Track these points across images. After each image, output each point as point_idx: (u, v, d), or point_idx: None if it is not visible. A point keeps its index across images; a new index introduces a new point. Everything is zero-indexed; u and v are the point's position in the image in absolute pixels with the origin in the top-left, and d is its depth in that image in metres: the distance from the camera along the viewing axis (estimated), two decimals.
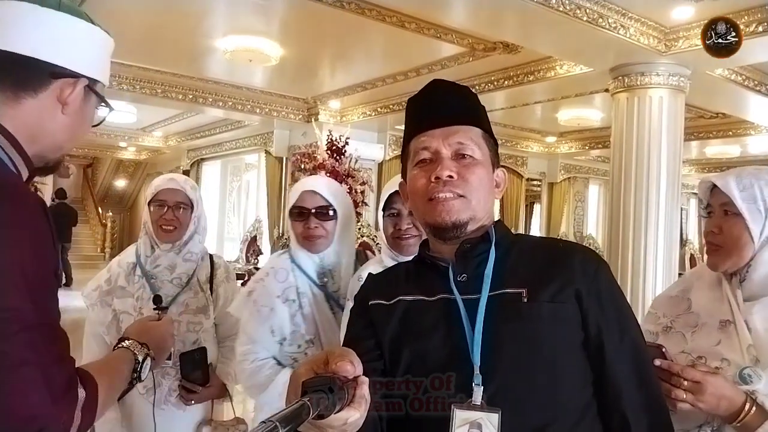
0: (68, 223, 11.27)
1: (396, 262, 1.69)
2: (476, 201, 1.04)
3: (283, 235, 8.31)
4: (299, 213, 1.85)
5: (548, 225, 11.18)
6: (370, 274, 1.21)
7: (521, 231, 10.83)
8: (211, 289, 2.07)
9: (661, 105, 4.80)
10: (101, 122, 1.17)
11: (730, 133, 8.19)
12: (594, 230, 11.81)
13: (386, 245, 1.78)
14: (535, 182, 11.36)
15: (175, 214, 1.97)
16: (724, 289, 1.32)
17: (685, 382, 1.19)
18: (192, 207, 2.01)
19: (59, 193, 12.01)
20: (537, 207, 12.15)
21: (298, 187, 1.91)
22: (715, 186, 1.33)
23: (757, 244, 1.26)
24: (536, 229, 11.95)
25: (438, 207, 1.03)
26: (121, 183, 15.86)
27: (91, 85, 1.08)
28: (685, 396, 1.19)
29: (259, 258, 8.57)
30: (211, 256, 2.12)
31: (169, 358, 1.72)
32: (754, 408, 1.16)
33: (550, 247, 1.10)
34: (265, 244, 8.99)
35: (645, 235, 4.80)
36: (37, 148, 1.03)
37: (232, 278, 2.18)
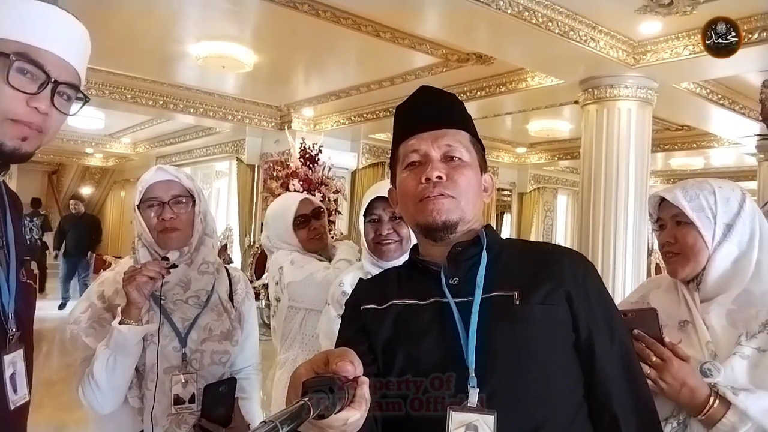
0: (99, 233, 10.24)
1: (377, 267, 1.71)
2: (465, 202, 1.05)
3: (254, 243, 8.23)
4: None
5: (518, 234, 11.31)
6: (360, 279, 1.22)
7: None
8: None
9: (629, 117, 4.93)
10: (75, 113, 1.11)
11: (695, 145, 8.44)
12: (562, 239, 12.00)
13: (367, 251, 1.79)
14: (505, 192, 11.51)
15: (173, 211, 1.56)
16: (681, 291, 1.40)
17: (653, 357, 1.25)
18: (193, 200, 1.61)
19: (81, 200, 10.66)
20: (507, 216, 12.30)
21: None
22: (663, 200, 1.42)
23: (711, 248, 1.34)
24: None
25: (428, 206, 1.03)
26: (87, 190, 15.53)
27: None
28: (648, 372, 1.24)
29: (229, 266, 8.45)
30: (226, 269, 1.75)
31: (192, 401, 1.50)
32: (717, 401, 1.21)
33: (539, 250, 1.12)
34: (235, 253, 8.89)
35: (614, 244, 4.91)
36: None
37: (252, 295, 1.80)
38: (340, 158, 7.98)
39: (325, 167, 6.65)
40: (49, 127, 1.08)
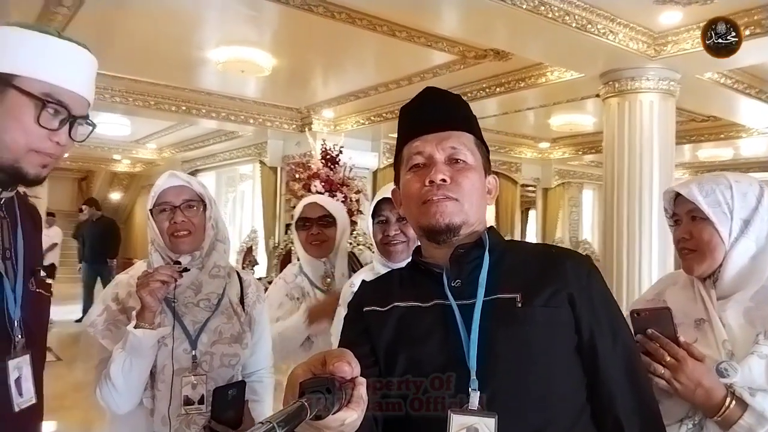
0: (116, 238, 9.52)
1: (387, 269, 1.72)
2: (469, 205, 1.05)
3: (278, 245, 8.30)
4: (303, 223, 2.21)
5: (544, 231, 11.20)
6: (363, 281, 1.22)
7: (517, 237, 10.83)
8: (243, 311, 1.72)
9: (651, 109, 4.84)
10: (85, 138, 1.17)
11: (722, 136, 8.25)
12: (589, 235, 11.84)
13: (377, 252, 1.81)
14: (529, 188, 11.40)
15: (185, 215, 1.60)
16: (697, 289, 1.37)
17: (667, 357, 1.23)
18: (204, 205, 1.66)
19: (94, 204, 9.80)
20: (532, 213, 12.19)
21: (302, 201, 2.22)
22: (678, 195, 1.39)
23: (728, 244, 1.31)
24: (532, 235, 11.97)
25: (432, 209, 1.04)
26: (115, 196, 15.82)
27: (7, 79, 1.07)
28: (662, 372, 1.23)
29: (254, 269, 8.54)
30: (238, 273, 1.79)
31: (201, 402, 1.54)
32: (733, 402, 1.18)
33: (542, 253, 1.11)
34: (260, 255, 8.97)
35: (639, 239, 4.82)
36: None
37: (263, 298, 1.83)
38: (361, 158, 7.99)
39: (346, 168, 6.66)
40: (62, 154, 1.17)
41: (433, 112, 1.11)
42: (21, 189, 1.20)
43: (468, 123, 1.12)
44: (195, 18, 4.84)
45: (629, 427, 0.96)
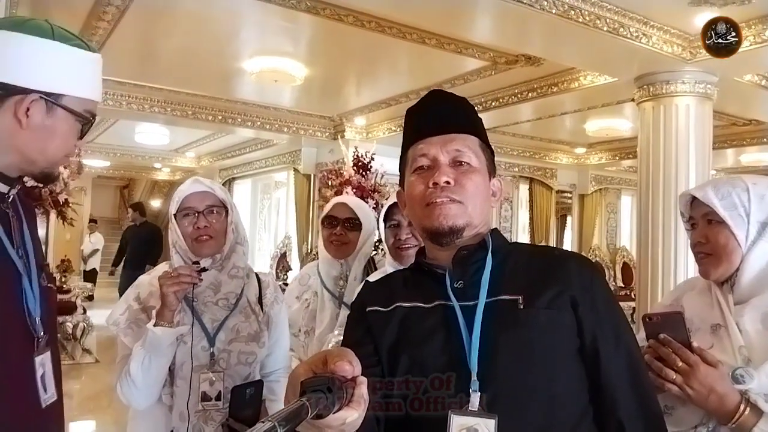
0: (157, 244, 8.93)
1: None
2: (472, 207, 1.06)
3: (311, 251, 8.38)
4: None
5: (580, 237, 11.02)
6: (366, 281, 1.23)
7: (553, 244, 10.68)
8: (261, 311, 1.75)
9: (687, 113, 4.73)
10: (83, 137, 1.22)
11: (765, 140, 8.00)
12: (628, 242, 11.59)
13: (389, 255, 1.83)
14: (566, 194, 11.23)
15: (207, 220, 1.65)
16: (714, 294, 1.34)
17: (679, 363, 1.21)
18: (226, 210, 1.70)
19: (138, 208, 9.49)
20: (569, 219, 12.00)
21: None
22: (694, 198, 1.36)
23: (744, 248, 1.28)
24: (568, 242, 11.78)
25: (435, 211, 1.04)
26: (156, 203, 16.22)
27: (53, 99, 1.11)
28: (674, 377, 1.20)
29: (288, 274, 8.64)
30: (257, 274, 1.83)
31: (218, 399, 1.58)
32: (748, 409, 1.16)
33: (545, 255, 1.11)
34: (294, 260, 9.07)
35: (675, 245, 4.71)
36: (5, 161, 1.11)
37: (281, 299, 1.87)
38: (393, 165, 7.94)
39: (377, 174, 6.71)
40: None
41: (437, 115, 1.11)
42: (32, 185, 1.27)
43: (473, 125, 1.13)
44: (231, 30, 4.94)
45: (632, 431, 0.95)
